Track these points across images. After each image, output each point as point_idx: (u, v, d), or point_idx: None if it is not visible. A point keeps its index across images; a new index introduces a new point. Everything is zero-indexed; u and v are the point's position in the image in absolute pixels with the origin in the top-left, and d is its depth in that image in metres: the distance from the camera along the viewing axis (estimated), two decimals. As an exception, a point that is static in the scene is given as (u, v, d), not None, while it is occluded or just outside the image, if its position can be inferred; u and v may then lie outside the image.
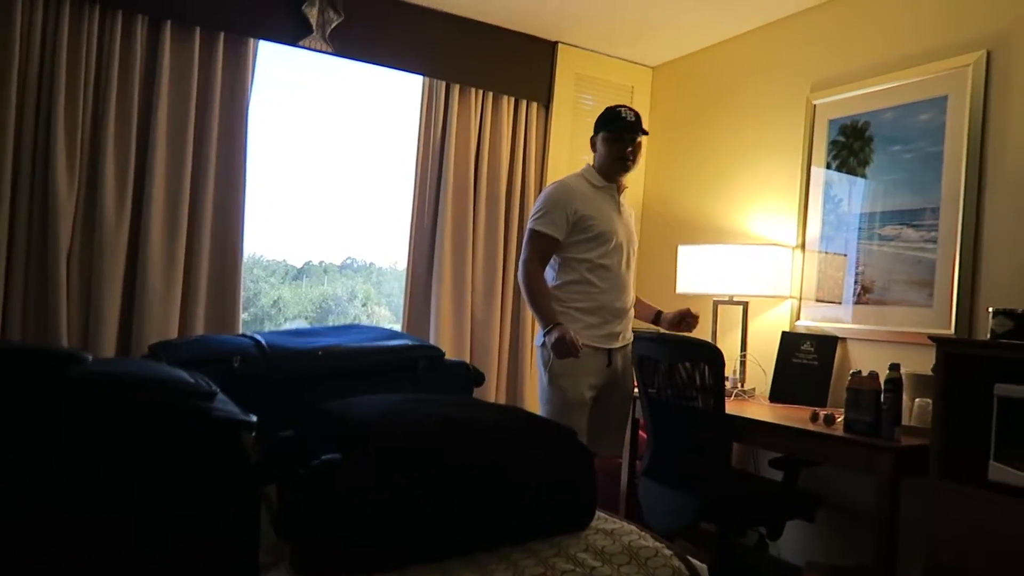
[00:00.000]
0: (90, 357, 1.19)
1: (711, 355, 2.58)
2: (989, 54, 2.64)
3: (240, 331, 3.25)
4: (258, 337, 2.04)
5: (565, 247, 2.74)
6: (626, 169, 2.80)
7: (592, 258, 2.72)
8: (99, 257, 2.95)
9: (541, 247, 2.73)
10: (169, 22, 3.07)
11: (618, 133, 2.73)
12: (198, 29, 3.13)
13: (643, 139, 2.82)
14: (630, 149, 2.75)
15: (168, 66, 3.08)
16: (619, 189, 2.84)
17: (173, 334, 3.05)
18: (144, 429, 1.11)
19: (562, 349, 2.59)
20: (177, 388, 1.14)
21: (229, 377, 1.85)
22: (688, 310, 2.88)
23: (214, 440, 1.12)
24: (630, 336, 2.86)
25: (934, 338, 2.21)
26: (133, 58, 3.01)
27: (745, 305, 3.35)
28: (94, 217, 2.96)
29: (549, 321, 2.65)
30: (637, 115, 2.78)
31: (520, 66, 3.82)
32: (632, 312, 2.90)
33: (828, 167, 3.19)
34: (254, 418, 1.18)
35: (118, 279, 2.99)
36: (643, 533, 1.47)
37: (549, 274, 2.78)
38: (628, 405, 2.95)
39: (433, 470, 1.30)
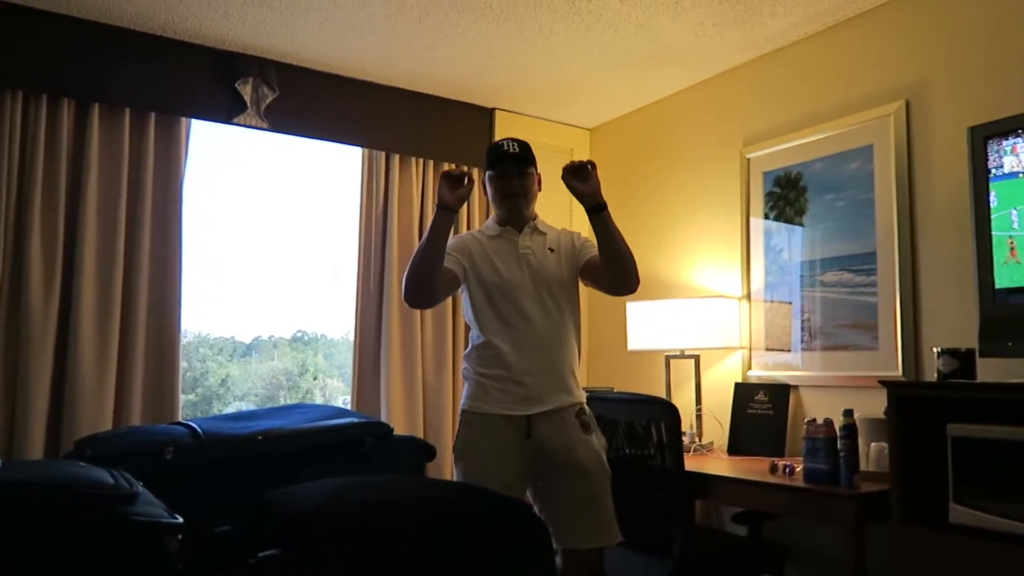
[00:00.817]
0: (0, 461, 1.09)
1: (667, 412, 2.56)
2: (908, 103, 2.74)
3: (180, 416, 3.11)
4: (193, 424, 1.94)
5: (468, 304, 2.39)
6: (518, 208, 2.36)
7: (490, 317, 2.32)
8: (25, 346, 2.81)
9: None
10: (97, 105, 3.01)
11: (499, 167, 2.36)
12: (128, 110, 3.07)
13: (535, 173, 2.40)
14: (518, 181, 2.35)
15: (97, 148, 3.00)
16: (525, 228, 2.40)
17: (107, 425, 2.89)
18: (58, 538, 1.01)
19: (446, 183, 2.20)
20: (93, 492, 1.05)
21: (162, 469, 1.74)
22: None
23: (134, 546, 1.03)
24: (570, 398, 2.30)
25: (884, 382, 2.22)
26: (59, 141, 2.93)
27: (696, 358, 3.35)
28: (19, 304, 2.83)
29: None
30: (524, 145, 2.38)
31: (459, 134, 3.85)
32: (566, 366, 2.33)
33: (766, 217, 3.25)
34: (180, 519, 1.09)
35: (46, 369, 2.84)
36: (607, 608, 1.40)
37: (470, 351, 2.41)
38: (588, 481, 2.23)
39: (380, 558, 1.22)
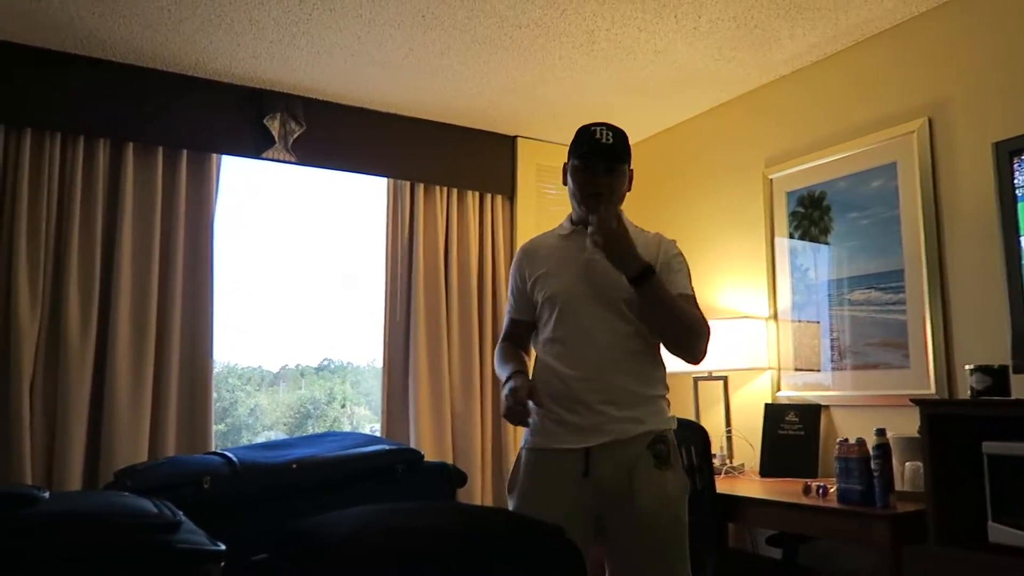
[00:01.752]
0: (46, 494, 1.13)
1: (697, 434, 2.55)
2: (931, 120, 2.74)
3: (214, 446, 3.16)
4: (229, 454, 1.98)
5: (536, 328, 2.07)
6: (595, 207, 1.90)
7: (546, 335, 2.00)
8: (63, 383, 2.88)
9: (506, 330, 2.16)
10: (131, 144, 3.10)
11: (585, 160, 1.96)
12: (161, 149, 3.16)
13: (628, 170, 2.01)
14: (604, 179, 1.95)
15: (131, 186, 3.09)
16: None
17: (143, 457, 2.94)
18: (105, 568, 1.04)
19: (507, 406, 1.87)
20: (137, 522, 1.08)
21: (200, 499, 1.78)
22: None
23: (178, 574, 1.06)
24: (639, 427, 1.89)
25: (916, 400, 2.20)
26: (95, 180, 3.03)
27: (725, 380, 3.33)
28: (57, 342, 2.90)
29: (508, 378, 1.94)
30: (619, 135, 1.97)
31: (481, 162, 3.90)
32: (636, 391, 1.93)
33: (791, 237, 3.24)
34: (222, 547, 1.12)
35: (83, 405, 2.91)
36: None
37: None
38: (651, 531, 1.85)
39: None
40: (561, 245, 2.05)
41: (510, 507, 1.99)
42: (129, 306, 3.04)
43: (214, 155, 3.30)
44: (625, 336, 1.93)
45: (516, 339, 2.12)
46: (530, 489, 1.93)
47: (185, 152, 3.22)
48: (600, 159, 1.95)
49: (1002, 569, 1.93)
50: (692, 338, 1.93)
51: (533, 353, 2.09)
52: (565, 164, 2.05)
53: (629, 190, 2.04)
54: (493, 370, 3.69)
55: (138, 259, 3.09)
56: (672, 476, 1.90)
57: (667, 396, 2.01)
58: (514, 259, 2.14)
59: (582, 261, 1.97)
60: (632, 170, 2.03)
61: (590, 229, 1.85)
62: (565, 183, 2.05)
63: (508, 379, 1.93)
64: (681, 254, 2.03)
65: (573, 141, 2.01)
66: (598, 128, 1.96)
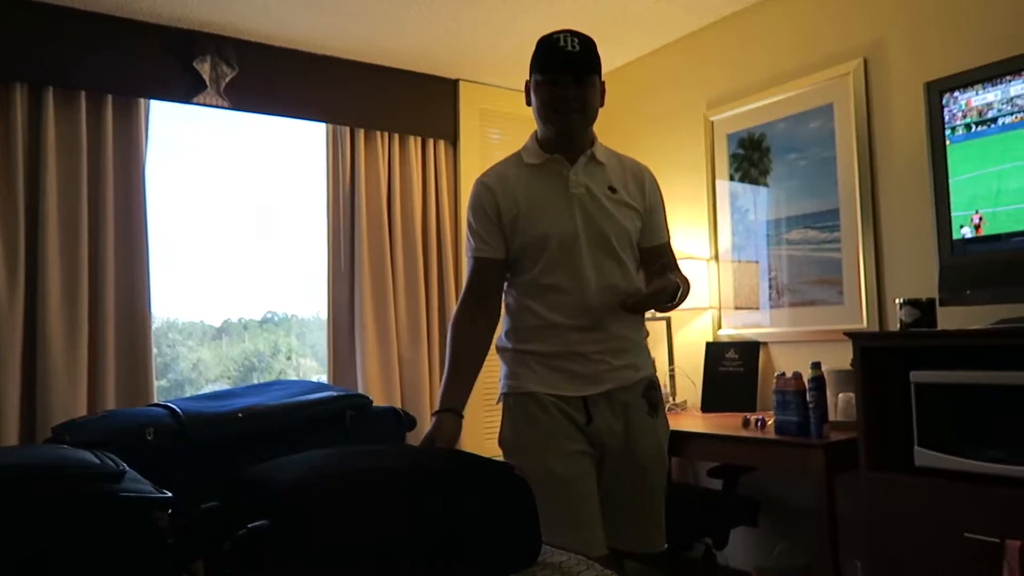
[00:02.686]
0: (-21, 449, 1.09)
1: (640, 373, 2.60)
2: (866, 61, 2.79)
3: (155, 400, 3.09)
4: (172, 405, 1.93)
5: (512, 268, 1.87)
6: (570, 128, 1.79)
7: (533, 278, 1.81)
8: (-8, 340, 2.77)
9: (471, 279, 1.89)
10: (51, 89, 2.94)
11: (549, 73, 1.76)
12: (83, 94, 3.01)
13: (600, 82, 1.82)
14: (574, 92, 1.76)
15: (53, 133, 2.94)
16: (580, 158, 1.84)
17: (81, 412, 2.87)
18: (45, 520, 1.02)
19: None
20: (78, 472, 1.06)
21: (144, 452, 1.74)
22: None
23: (124, 523, 1.04)
24: (636, 374, 1.84)
25: (849, 333, 2.29)
26: (13, 127, 2.87)
27: (668, 320, 3.40)
28: (-16, 298, 2.78)
29: (441, 400, 1.82)
30: (586, 42, 1.78)
31: (423, 106, 3.82)
32: (630, 336, 1.85)
33: (731, 179, 3.29)
34: (168, 494, 1.10)
35: (15, 361, 2.81)
36: (591, 563, 1.44)
37: (506, 322, 1.91)
38: (643, 474, 1.84)
39: (367, 526, 1.24)
40: (537, 177, 1.83)
41: (502, 450, 1.87)
42: (58, 261, 2.92)
43: (142, 100, 3.15)
44: (618, 280, 1.81)
45: (486, 289, 1.88)
46: (529, 437, 1.79)
47: (110, 97, 3.07)
48: (567, 69, 1.75)
49: (927, 489, 2.05)
50: (681, 302, 1.89)
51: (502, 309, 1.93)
52: (527, 82, 1.83)
53: (602, 105, 1.84)
54: (440, 318, 3.72)
55: (66, 210, 2.95)
56: (661, 423, 1.89)
57: None
58: (476, 194, 1.87)
59: (570, 198, 1.80)
60: (604, 82, 1.84)
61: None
62: (529, 103, 1.83)
63: (436, 415, 1.78)
64: (660, 190, 1.97)
65: (534, 53, 1.80)
66: (561, 35, 1.76)
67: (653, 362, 1.93)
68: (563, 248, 1.78)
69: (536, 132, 1.87)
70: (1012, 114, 2.12)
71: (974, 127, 2.20)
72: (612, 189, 1.84)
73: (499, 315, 1.92)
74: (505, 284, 1.90)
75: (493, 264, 1.85)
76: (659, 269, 1.82)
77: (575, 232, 1.78)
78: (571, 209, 1.80)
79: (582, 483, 1.77)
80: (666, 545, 1.91)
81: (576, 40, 1.76)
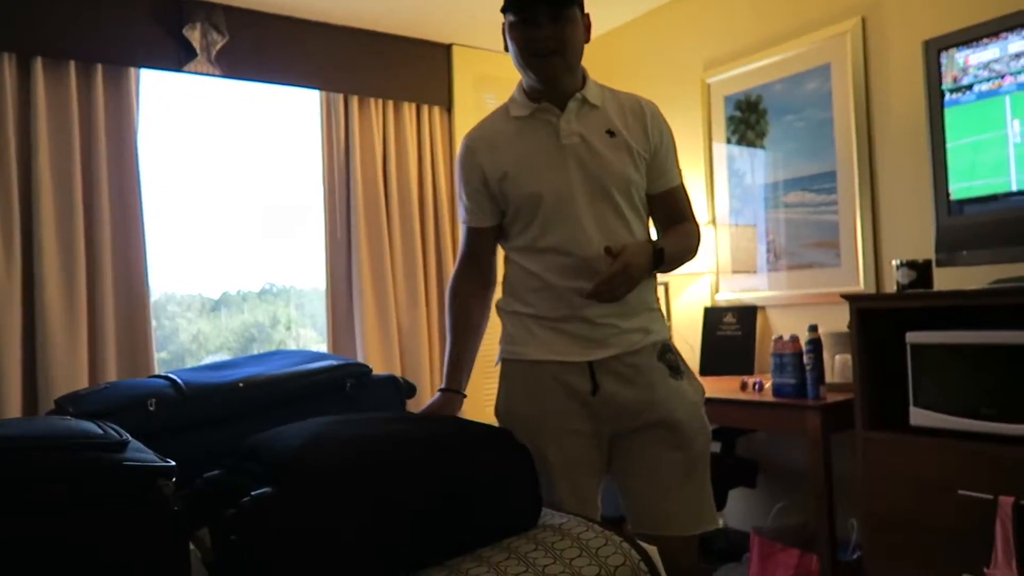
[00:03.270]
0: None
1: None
2: (864, 20, 2.75)
3: (156, 372, 3.11)
4: (173, 376, 1.94)
5: (507, 231, 1.74)
6: (552, 72, 1.62)
7: (529, 241, 1.67)
8: (-9, 315, 2.77)
9: (463, 250, 1.81)
10: (40, 58, 2.90)
11: (522, 11, 1.58)
12: (72, 63, 2.97)
13: (580, 16, 1.63)
14: (551, 30, 1.58)
15: (43, 103, 2.90)
16: (570, 103, 1.66)
17: (83, 385, 2.88)
18: (52, 492, 1.03)
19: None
20: (82, 442, 1.06)
21: (146, 422, 1.75)
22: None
23: (129, 492, 1.05)
24: (647, 337, 1.66)
25: (846, 296, 2.30)
26: (3, 99, 2.83)
27: (666, 285, 3.41)
28: (-20, 272, 2.78)
29: (444, 379, 1.78)
30: None
31: (417, 72, 3.78)
32: (639, 296, 1.65)
33: (728, 142, 3.27)
34: (172, 463, 1.11)
35: (15, 334, 2.81)
36: (591, 524, 1.46)
37: (506, 283, 1.78)
38: (685, 442, 1.65)
39: (370, 491, 1.26)
40: (524, 130, 1.68)
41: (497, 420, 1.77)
42: (54, 235, 2.91)
43: (132, 69, 3.12)
44: (624, 235, 1.65)
45: (479, 256, 1.79)
46: (526, 410, 1.66)
47: (100, 67, 3.03)
48: (540, 5, 1.56)
49: (922, 448, 2.07)
50: (694, 255, 1.79)
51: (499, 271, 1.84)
52: (503, 25, 1.66)
53: (587, 41, 1.67)
54: (438, 286, 3.72)
55: (59, 182, 2.93)
56: (688, 384, 1.69)
57: None
58: (461, 155, 1.73)
59: (562, 149, 1.64)
60: (588, 15, 1.66)
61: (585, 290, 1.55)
62: (507, 49, 1.67)
63: (440, 393, 1.76)
64: (667, 124, 1.76)
65: None
66: None
67: (668, 326, 1.80)
68: (559, 206, 1.62)
69: (521, 81, 1.70)
70: (1012, 75, 2.10)
71: (975, 87, 2.18)
72: (610, 133, 1.65)
73: (495, 279, 1.85)
74: (504, 247, 1.79)
75: (484, 231, 1.75)
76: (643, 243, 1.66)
77: (570, 187, 1.62)
78: (564, 162, 1.63)
79: (576, 466, 1.65)
80: (719, 523, 1.72)
81: None
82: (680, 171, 1.80)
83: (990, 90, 2.14)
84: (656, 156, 1.71)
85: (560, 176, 1.63)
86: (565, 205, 1.63)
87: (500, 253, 1.82)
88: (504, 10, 1.62)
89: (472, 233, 1.78)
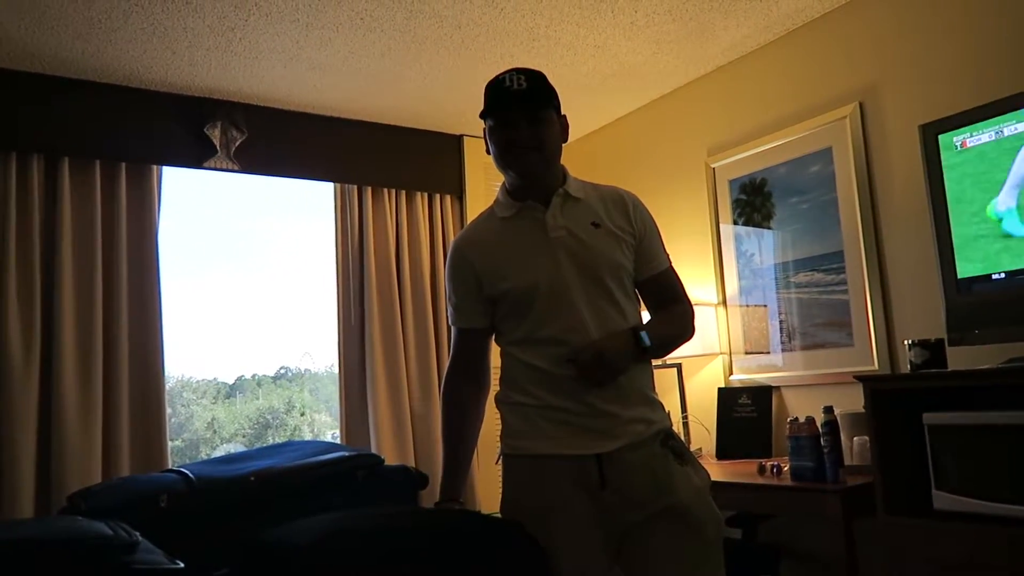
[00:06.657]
0: (-4, 523, 1.10)
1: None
2: (862, 105, 2.83)
3: (170, 462, 3.10)
4: (185, 470, 1.95)
5: (502, 328, 1.75)
6: (532, 171, 1.67)
7: (526, 334, 1.67)
8: (7, 406, 2.79)
9: (455, 352, 1.82)
10: (67, 159, 3.02)
11: (499, 116, 1.65)
12: (98, 163, 3.09)
13: (556, 116, 1.70)
14: (528, 131, 1.64)
15: (69, 202, 3.01)
16: (553, 198, 1.70)
17: (96, 477, 2.88)
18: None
19: None
20: (93, 545, 1.07)
21: (158, 518, 1.75)
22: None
23: (138, 595, 1.05)
24: (649, 427, 1.65)
25: (860, 377, 2.28)
26: (31, 197, 2.94)
27: (679, 366, 3.40)
28: (0, 365, 2.82)
29: (441, 491, 1.74)
30: (535, 76, 1.67)
31: (429, 162, 3.89)
32: (637, 384, 1.67)
33: (735, 224, 3.32)
34: (180, 564, 1.11)
35: (31, 426, 2.83)
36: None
37: (504, 376, 1.77)
38: (696, 529, 1.61)
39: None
40: (512, 228, 1.71)
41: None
42: (73, 326, 2.97)
43: (154, 166, 3.24)
44: (619, 322, 1.66)
45: (473, 360, 1.79)
46: (532, 509, 1.61)
47: (124, 165, 3.15)
48: (517, 108, 1.63)
49: (947, 534, 2.01)
50: (687, 338, 1.81)
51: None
52: (484, 130, 1.71)
53: (566, 140, 1.74)
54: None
55: (80, 276, 3.01)
56: (694, 470, 1.66)
57: None
58: (452, 258, 1.77)
59: (551, 242, 1.66)
60: (565, 116, 1.73)
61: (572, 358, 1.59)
62: (488, 151, 1.71)
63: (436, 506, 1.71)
64: (649, 212, 1.81)
65: (484, 100, 1.69)
66: (507, 75, 1.65)
67: (668, 414, 1.77)
68: (554, 296, 1.64)
69: (504, 183, 1.75)
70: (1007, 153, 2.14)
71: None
72: (595, 224, 1.69)
73: (489, 382, 1.83)
74: (499, 343, 1.79)
75: (476, 332, 1.77)
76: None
77: (563, 277, 1.64)
78: (555, 254, 1.65)
79: (585, 559, 1.59)
80: None
81: (523, 77, 1.65)
82: (667, 255, 1.83)
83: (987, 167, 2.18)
84: (642, 243, 1.75)
85: (552, 268, 1.65)
86: (560, 295, 1.64)
87: (494, 349, 1.81)
88: (483, 116, 1.68)
89: (463, 335, 1.78)
